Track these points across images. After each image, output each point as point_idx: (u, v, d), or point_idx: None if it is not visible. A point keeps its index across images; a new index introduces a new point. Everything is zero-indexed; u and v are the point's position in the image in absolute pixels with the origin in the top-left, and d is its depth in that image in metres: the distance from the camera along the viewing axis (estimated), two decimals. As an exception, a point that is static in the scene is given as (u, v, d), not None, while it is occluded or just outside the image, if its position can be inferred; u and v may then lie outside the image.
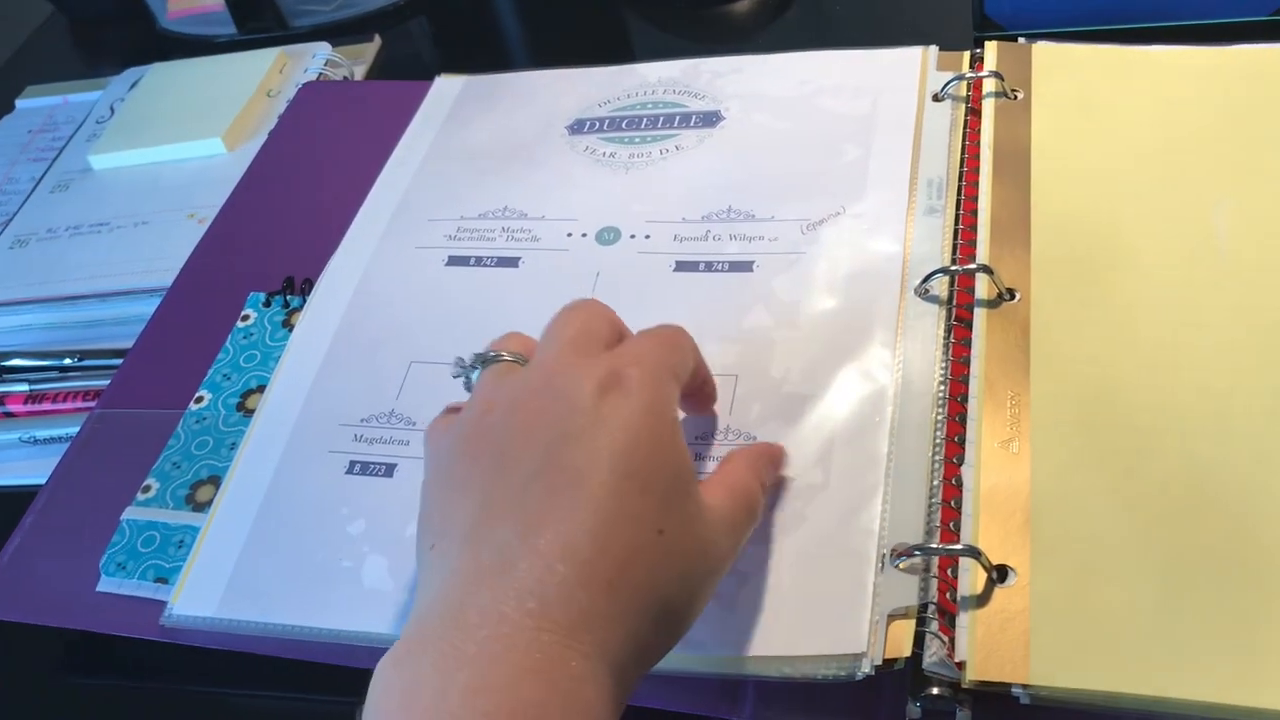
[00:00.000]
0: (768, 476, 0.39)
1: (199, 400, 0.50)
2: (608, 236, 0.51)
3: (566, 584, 0.29)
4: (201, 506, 0.46)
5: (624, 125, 0.57)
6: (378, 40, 0.76)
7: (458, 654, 0.28)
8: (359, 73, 0.73)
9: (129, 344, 0.54)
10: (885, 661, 0.36)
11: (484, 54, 0.77)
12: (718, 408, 0.44)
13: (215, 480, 0.47)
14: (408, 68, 0.76)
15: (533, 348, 0.38)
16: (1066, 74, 0.53)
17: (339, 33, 0.78)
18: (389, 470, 0.45)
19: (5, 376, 0.58)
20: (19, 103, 0.79)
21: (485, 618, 0.28)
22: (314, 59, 0.71)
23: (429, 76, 0.64)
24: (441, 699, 0.27)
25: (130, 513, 0.46)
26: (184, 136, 0.66)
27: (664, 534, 0.31)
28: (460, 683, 0.27)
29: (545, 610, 0.28)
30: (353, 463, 0.45)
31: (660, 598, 0.31)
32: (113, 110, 0.71)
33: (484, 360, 0.38)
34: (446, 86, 0.62)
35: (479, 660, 0.28)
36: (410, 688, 0.28)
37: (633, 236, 0.51)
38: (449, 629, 0.29)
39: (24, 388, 0.56)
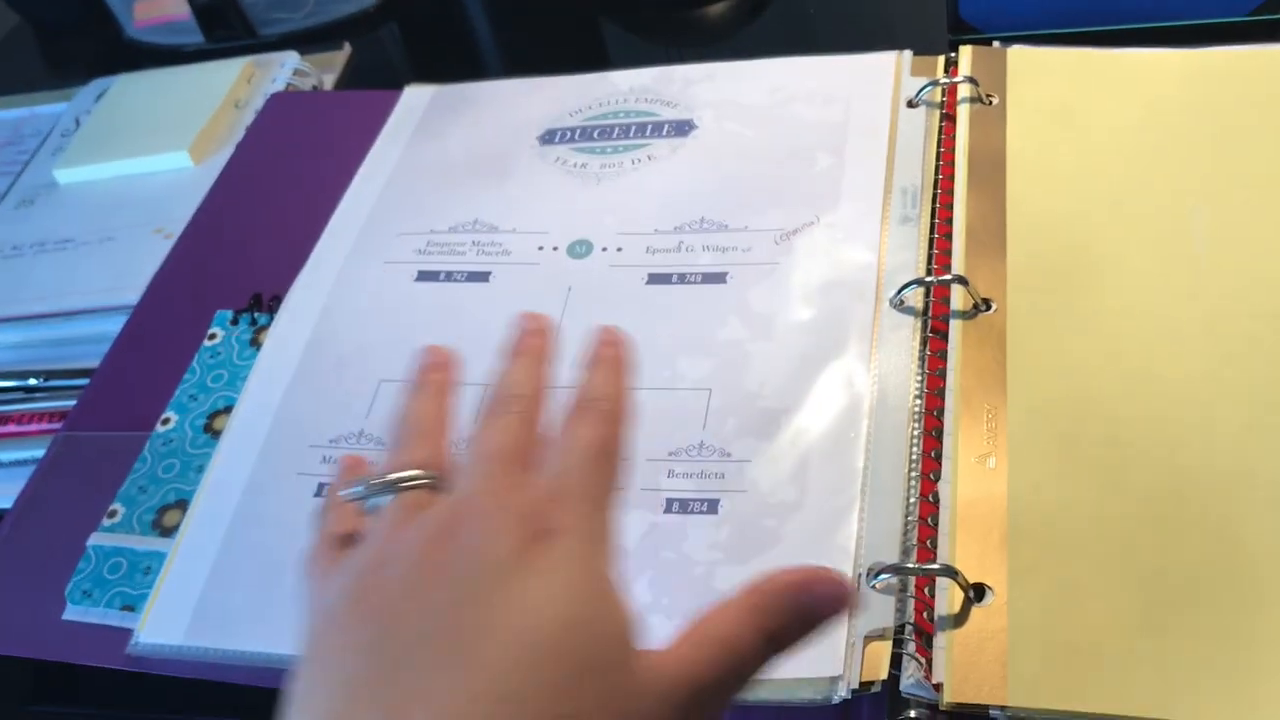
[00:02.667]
0: (778, 619, 0.28)
1: (165, 422, 0.49)
2: (579, 249, 0.51)
3: None
4: (169, 531, 0.45)
5: (595, 135, 0.56)
6: (347, 48, 0.75)
7: None
8: (328, 82, 0.72)
9: (95, 363, 0.53)
10: (862, 684, 0.35)
11: (455, 60, 0.76)
12: (692, 422, 0.43)
13: (182, 504, 0.46)
14: (378, 75, 0.75)
15: (445, 456, 0.32)
16: (1042, 78, 0.53)
17: (308, 41, 0.77)
18: (358, 493, 0.44)
19: (-30, 398, 0.57)
20: (-16, 115, 0.77)
21: None
22: (282, 68, 0.70)
23: (399, 84, 0.63)
24: None
25: (96, 538, 0.45)
26: (150, 150, 0.65)
27: (573, 717, 0.24)
28: None
29: None
30: (322, 485, 0.44)
31: None
32: (78, 123, 0.70)
33: (393, 487, 0.31)
34: (415, 97, 0.61)
35: None
36: None
37: (605, 249, 0.50)
38: None
39: (-11, 409, 0.55)
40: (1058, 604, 0.36)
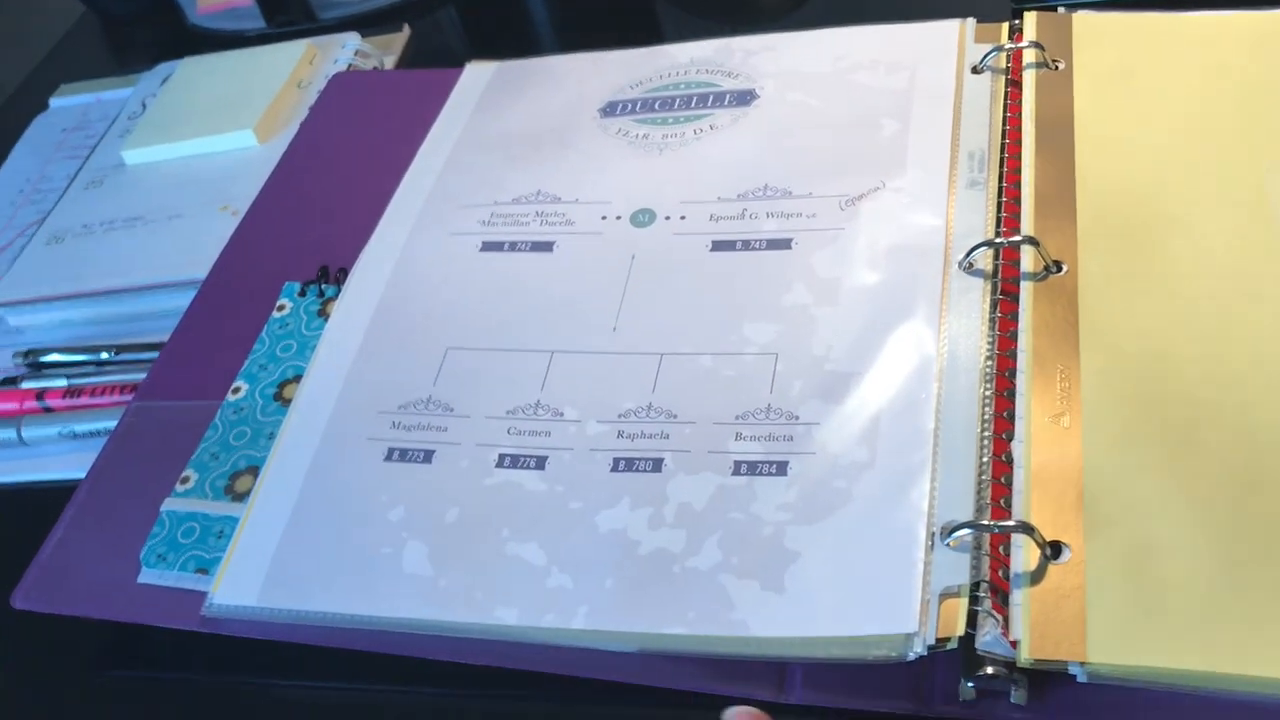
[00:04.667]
0: None
1: (236, 391, 0.50)
2: (643, 218, 0.51)
3: None
4: (240, 497, 0.46)
5: (657, 106, 0.56)
6: (407, 30, 0.76)
7: None
8: (389, 63, 0.73)
9: (165, 337, 0.54)
10: (938, 641, 0.35)
11: (513, 40, 0.77)
12: (759, 386, 0.43)
13: (254, 470, 0.46)
14: (437, 57, 0.76)
15: None
16: (1108, 42, 0.52)
17: (368, 24, 0.77)
18: (427, 456, 0.44)
19: (44, 371, 0.58)
20: (53, 101, 0.79)
21: None
22: (343, 50, 0.71)
23: (459, 65, 0.63)
24: None
25: (170, 504, 0.46)
26: (215, 129, 0.66)
27: None
28: None
29: None
30: (391, 450, 0.45)
31: None
32: (144, 106, 0.71)
33: None
34: (477, 73, 0.62)
35: None
36: None
37: (668, 218, 0.50)
38: None
39: (62, 382, 0.56)
40: (1136, 561, 0.35)
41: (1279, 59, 0.49)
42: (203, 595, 0.43)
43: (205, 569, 0.44)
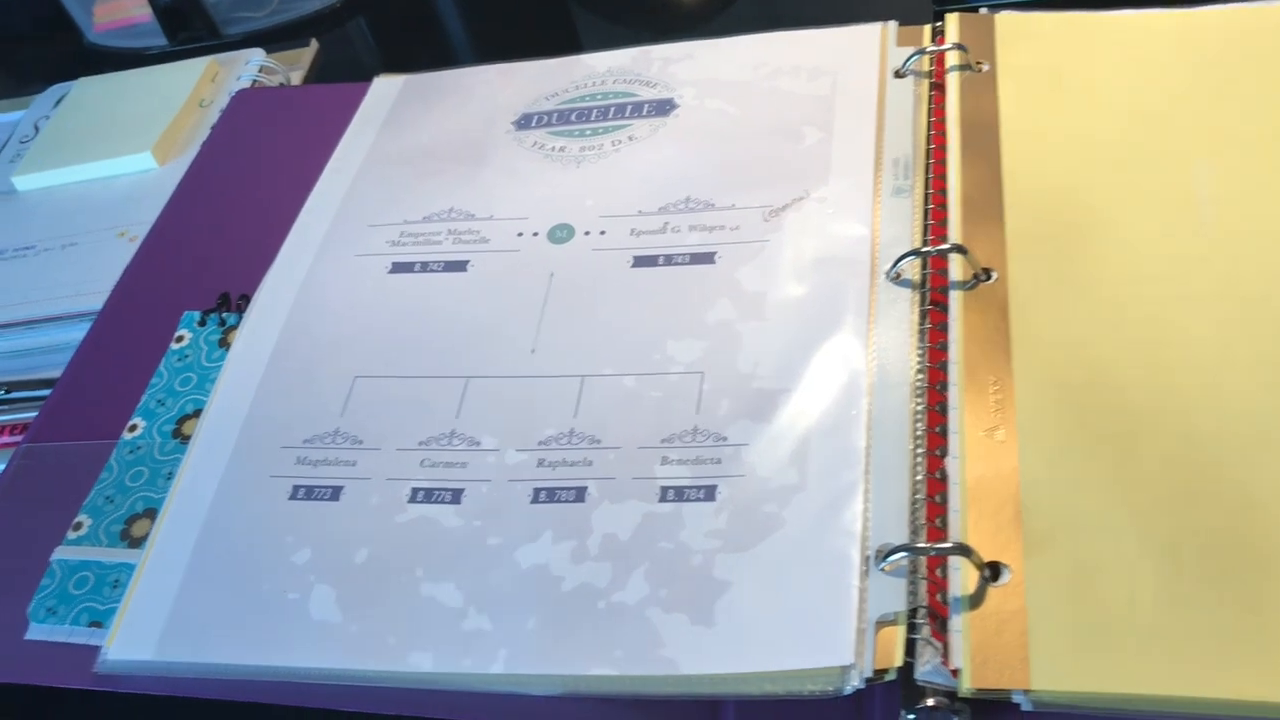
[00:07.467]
0: None
1: (132, 429, 0.47)
2: (561, 234, 0.49)
3: None
4: (138, 542, 0.43)
5: (573, 118, 0.54)
6: (315, 45, 0.73)
7: None
8: (296, 79, 0.70)
9: (59, 373, 0.51)
10: (875, 673, 0.33)
11: (426, 53, 0.74)
12: (685, 407, 0.41)
13: (151, 513, 0.43)
14: (347, 71, 0.73)
15: None
16: (1032, 43, 0.51)
17: (274, 39, 0.75)
18: (335, 494, 0.42)
19: (-72, 413, 0.54)
20: (-60, 126, 0.75)
21: None
22: (247, 66, 0.68)
23: (369, 80, 0.61)
24: None
25: (60, 552, 0.43)
26: (112, 152, 0.63)
27: None
28: None
29: None
30: (296, 487, 0.42)
31: None
32: (37, 129, 0.68)
33: None
34: (385, 87, 0.59)
35: None
36: None
37: (587, 233, 0.48)
38: None
39: (-52, 424, 0.53)
40: (1077, 580, 0.34)
41: (1203, 58, 0.49)
42: (97, 650, 0.40)
43: (100, 621, 0.41)
